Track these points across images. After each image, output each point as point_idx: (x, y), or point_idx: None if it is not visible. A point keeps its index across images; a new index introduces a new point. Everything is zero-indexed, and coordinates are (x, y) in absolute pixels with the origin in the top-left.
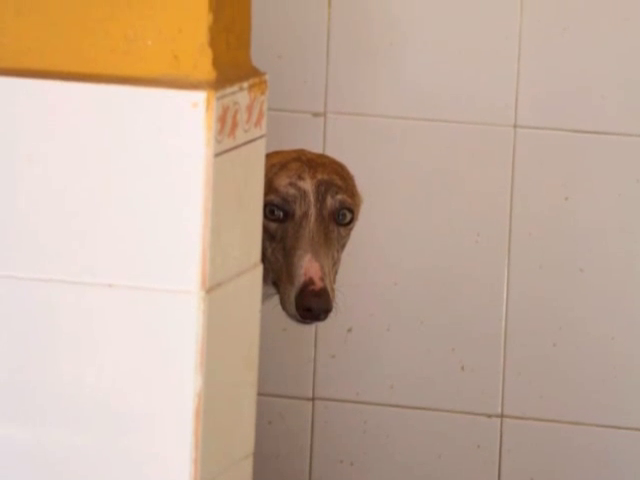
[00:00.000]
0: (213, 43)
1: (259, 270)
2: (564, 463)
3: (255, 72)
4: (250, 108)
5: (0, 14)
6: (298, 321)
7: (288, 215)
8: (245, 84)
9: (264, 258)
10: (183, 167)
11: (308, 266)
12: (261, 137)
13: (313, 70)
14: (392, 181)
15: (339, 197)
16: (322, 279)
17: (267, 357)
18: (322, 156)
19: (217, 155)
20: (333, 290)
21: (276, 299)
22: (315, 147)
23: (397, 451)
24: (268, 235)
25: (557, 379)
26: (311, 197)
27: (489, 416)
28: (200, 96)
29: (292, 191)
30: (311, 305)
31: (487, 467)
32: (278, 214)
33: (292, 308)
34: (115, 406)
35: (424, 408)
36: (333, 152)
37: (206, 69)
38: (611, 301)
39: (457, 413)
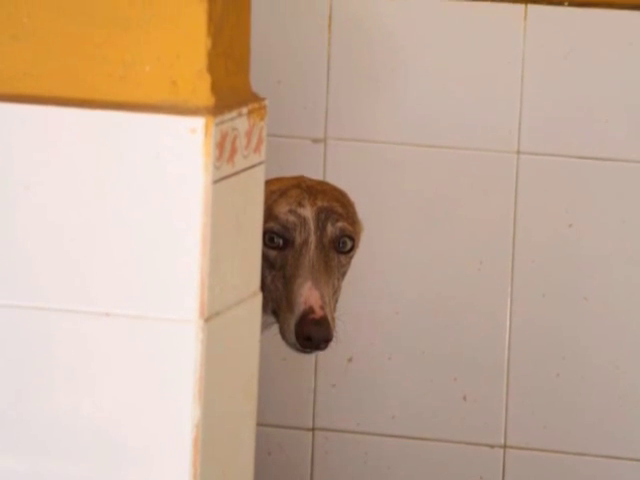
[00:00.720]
0: (212, 68)
1: (258, 298)
2: None
3: (254, 98)
4: (249, 134)
5: None
6: (298, 350)
7: (288, 243)
8: (244, 110)
9: (263, 286)
10: (181, 194)
11: (308, 294)
12: (260, 163)
13: (313, 96)
14: (393, 208)
15: (339, 224)
16: (322, 308)
17: (267, 387)
18: (322, 183)
19: (216, 182)
20: (333, 319)
21: (276, 328)
22: (315, 174)
23: None
24: (268, 263)
25: (561, 409)
26: (311, 224)
27: (492, 447)
28: (198, 122)
29: (292, 218)
30: (311, 334)
31: None
32: (278, 242)
33: (292, 337)
34: (113, 436)
35: (426, 439)
36: (333, 179)
37: (205, 95)
38: (615, 330)
39: (459, 444)
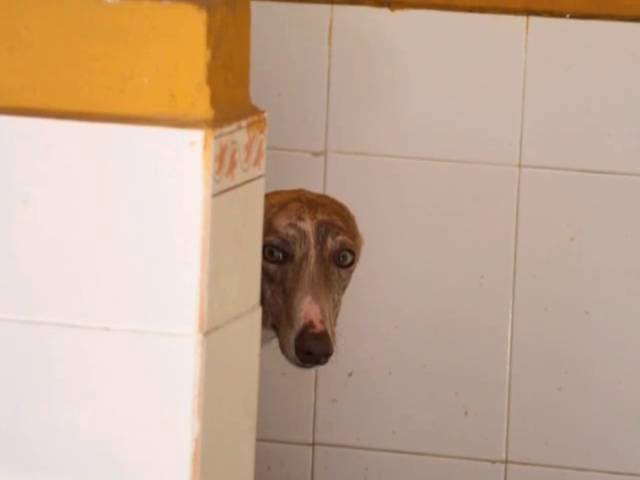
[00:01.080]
0: (211, 81)
1: (258, 313)
2: None
3: (254, 110)
4: (249, 147)
5: None
6: (298, 365)
7: (288, 256)
8: (244, 123)
9: (263, 300)
10: (180, 208)
11: (308, 309)
12: (260, 177)
13: (313, 108)
14: (394, 222)
15: (340, 238)
16: (322, 322)
17: (266, 401)
18: (322, 196)
19: (215, 195)
20: (334, 333)
21: (275, 342)
22: (315, 187)
23: None
24: (267, 277)
25: (562, 424)
26: (311, 238)
27: (493, 462)
28: (197, 135)
29: (292, 232)
30: (311, 348)
31: None
32: (277, 255)
33: (292, 352)
34: (111, 452)
35: (427, 454)
36: (333, 192)
37: (204, 107)
38: (618, 344)
39: (460, 459)
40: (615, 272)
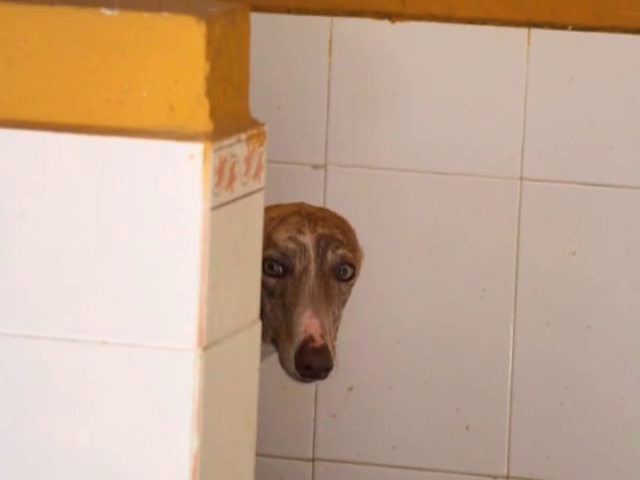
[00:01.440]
0: (210, 93)
1: (257, 327)
2: None
3: (254, 123)
4: (248, 160)
5: None
6: (298, 379)
7: (287, 270)
8: (243, 135)
9: (263, 315)
10: (179, 221)
11: (308, 323)
12: (260, 190)
13: (313, 121)
14: (395, 235)
15: (340, 252)
16: (322, 336)
17: (266, 416)
18: (322, 210)
19: (214, 208)
20: (334, 348)
21: (275, 357)
22: (315, 200)
23: None
24: (267, 291)
25: (564, 439)
26: (311, 252)
27: (494, 477)
28: (197, 148)
29: (292, 246)
30: (311, 363)
31: None
32: (277, 269)
33: (292, 366)
34: (110, 467)
35: (427, 469)
36: (334, 205)
37: (203, 120)
38: (620, 359)
39: (462, 474)
40: (617, 286)
